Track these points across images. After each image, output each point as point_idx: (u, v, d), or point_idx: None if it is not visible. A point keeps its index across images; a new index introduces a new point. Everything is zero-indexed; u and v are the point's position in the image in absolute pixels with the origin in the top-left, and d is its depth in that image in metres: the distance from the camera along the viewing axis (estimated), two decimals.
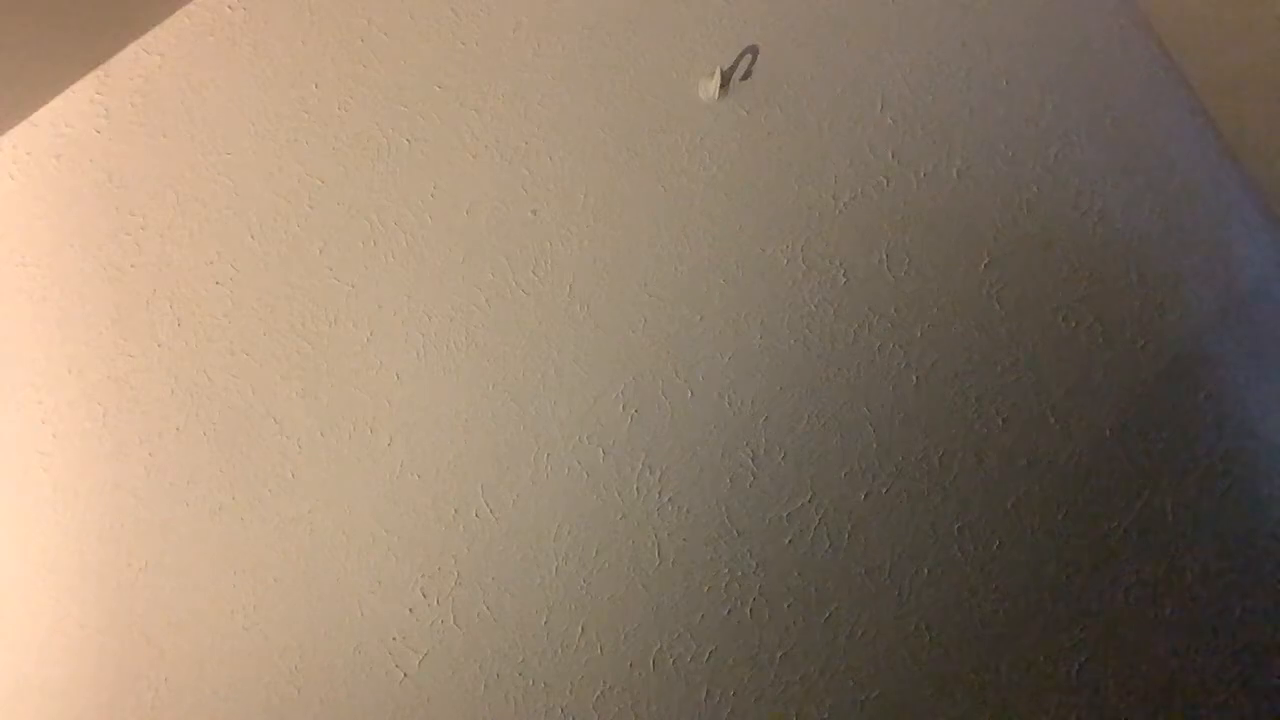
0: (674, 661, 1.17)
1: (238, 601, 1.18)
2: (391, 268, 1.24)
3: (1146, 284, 1.29)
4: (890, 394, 1.23)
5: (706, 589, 1.18)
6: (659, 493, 1.19)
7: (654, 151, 1.27)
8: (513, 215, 1.26)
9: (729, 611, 1.18)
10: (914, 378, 1.23)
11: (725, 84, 1.25)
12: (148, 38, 1.30)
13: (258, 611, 1.17)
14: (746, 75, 1.27)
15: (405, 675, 1.15)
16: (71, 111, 1.28)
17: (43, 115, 1.28)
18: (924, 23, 1.33)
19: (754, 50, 1.21)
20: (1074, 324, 1.26)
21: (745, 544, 1.19)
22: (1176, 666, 1.20)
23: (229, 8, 1.30)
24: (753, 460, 1.20)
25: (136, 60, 1.29)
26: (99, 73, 1.29)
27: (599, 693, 1.15)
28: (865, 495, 1.20)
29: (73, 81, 1.28)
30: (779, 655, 1.17)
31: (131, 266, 1.25)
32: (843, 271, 1.25)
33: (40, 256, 1.26)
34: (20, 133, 1.28)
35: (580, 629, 1.16)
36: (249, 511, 1.19)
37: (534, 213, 1.26)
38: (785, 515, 1.20)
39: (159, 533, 1.20)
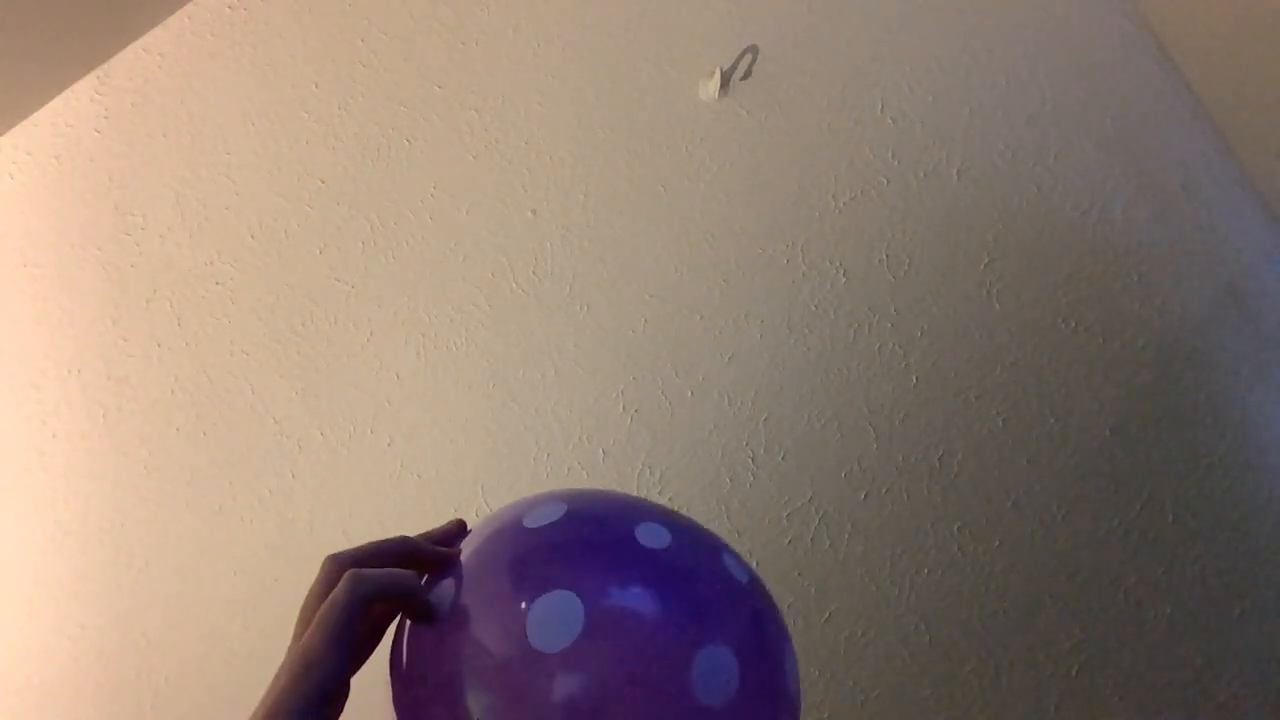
0: None
1: (238, 601, 1.18)
2: (391, 268, 1.24)
3: (1146, 284, 1.29)
4: (890, 394, 1.23)
5: None
6: (659, 493, 1.19)
7: (654, 151, 1.27)
8: (513, 215, 1.26)
9: None
10: (914, 378, 1.23)
11: (725, 84, 1.25)
12: (148, 38, 1.30)
13: (258, 611, 1.17)
14: (746, 75, 1.27)
15: None
16: (71, 111, 1.28)
17: (43, 115, 1.28)
18: (924, 23, 1.33)
19: (754, 50, 1.21)
20: (1074, 324, 1.26)
21: (745, 544, 1.19)
22: (1176, 666, 1.20)
23: (229, 8, 1.30)
24: (753, 460, 1.20)
25: (136, 60, 1.29)
26: (99, 73, 1.29)
27: None
28: (865, 495, 1.20)
29: (73, 81, 1.28)
30: None
31: (131, 266, 1.25)
32: (843, 271, 1.25)
33: (40, 256, 1.26)
34: (20, 133, 1.28)
35: None
36: (249, 511, 1.19)
37: (534, 213, 1.26)
38: (785, 515, 1.19)
39: (159, 533, 1.20)
